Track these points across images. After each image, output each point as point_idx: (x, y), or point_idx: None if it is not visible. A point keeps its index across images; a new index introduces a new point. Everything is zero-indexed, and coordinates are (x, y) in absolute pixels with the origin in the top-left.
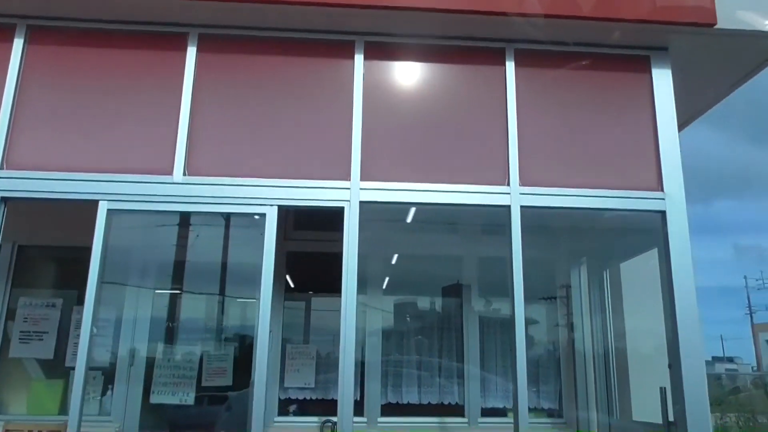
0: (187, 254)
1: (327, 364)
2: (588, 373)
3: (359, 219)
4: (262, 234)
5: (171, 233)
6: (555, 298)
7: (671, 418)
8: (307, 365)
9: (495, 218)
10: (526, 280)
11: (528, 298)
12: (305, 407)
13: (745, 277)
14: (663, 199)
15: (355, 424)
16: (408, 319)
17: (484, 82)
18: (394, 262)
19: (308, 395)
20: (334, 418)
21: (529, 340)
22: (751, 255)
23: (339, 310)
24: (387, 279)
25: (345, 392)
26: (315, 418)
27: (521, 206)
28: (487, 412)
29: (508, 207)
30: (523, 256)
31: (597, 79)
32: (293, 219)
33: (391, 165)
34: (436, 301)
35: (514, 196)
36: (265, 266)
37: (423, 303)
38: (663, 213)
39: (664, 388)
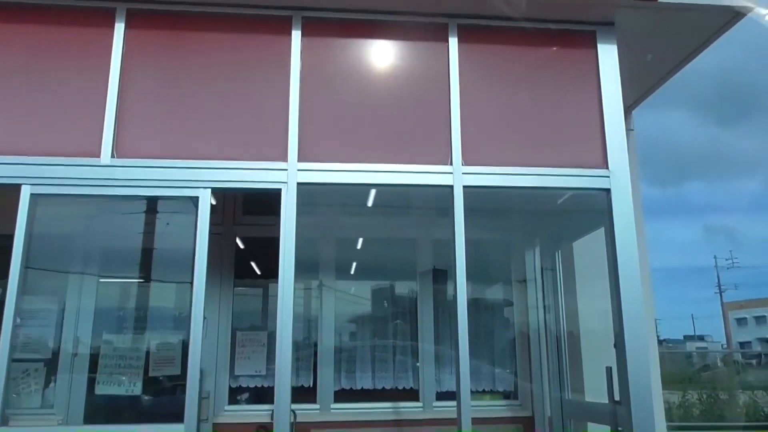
0: (134, 241)
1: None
2: (542, 355)
3: (297, 201)
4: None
5: (114, 218)
6: (524, 281)
7: (617, 398)
8: (258, 352)
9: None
10: (482, 263)
11: (488, 281)
12: (258, 395)
13: (715, 257)
14: (608, 177)
15: (307, 411)
16: (364, 303)
17: (426, 59)
18: (348, 245)
19: (260, 383)
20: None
21: (486, 323)
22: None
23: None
24: (340, 263)
25: (281, 380)
26: (266, 406)
27: (464, 186)
28: (442, 396)
29: (451, 187)
30: (478, 238)
31: (542, 56)
32: (243, 203)
33: (330, 145)
34: (393, 285)
35: (457, 175)
36: (198, 251)
37: (378, 287)
38: (608, 191)
39: (610, 367)
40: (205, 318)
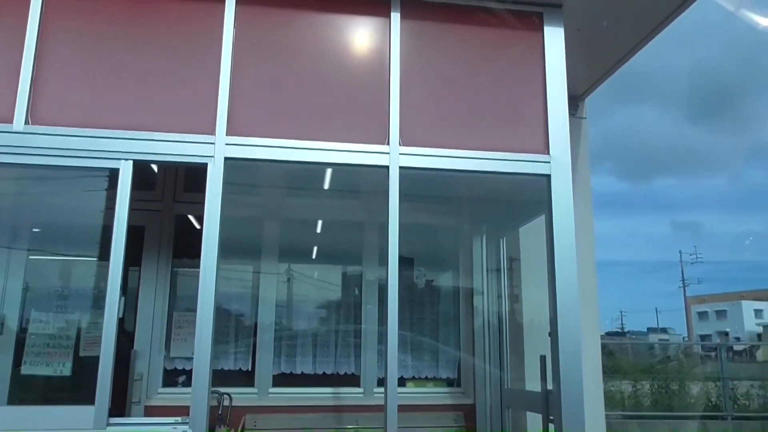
0: (67, 216)
1: (222, 333)
2: (486, 343)
3: (223, 176)
4: None
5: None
6: (471, 268)
7: (549, 386)
8: (194, 334)
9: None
10: (431, 249)
11: (436, 268)
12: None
13: (680, 252)
14: (548, 162)
15: (245, 395)
16: (307, 286)
17: (366, 34)
18: (295, 227)
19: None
20: (223, 389)
21: (432, 309)
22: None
23: (242, 277)
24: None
25: (200, 362)
26: None
27: (400, 167)
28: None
29: (387, 168)
30: (426, 223)
31: (488, 36)
32: (184, 179)
33: (262, 120)
34: (339, 269)
35: (393, 156)
36: (117, 226)
37: (323, 271)
38: (548, 177)
39: (544, 356)
40: (122, 296)
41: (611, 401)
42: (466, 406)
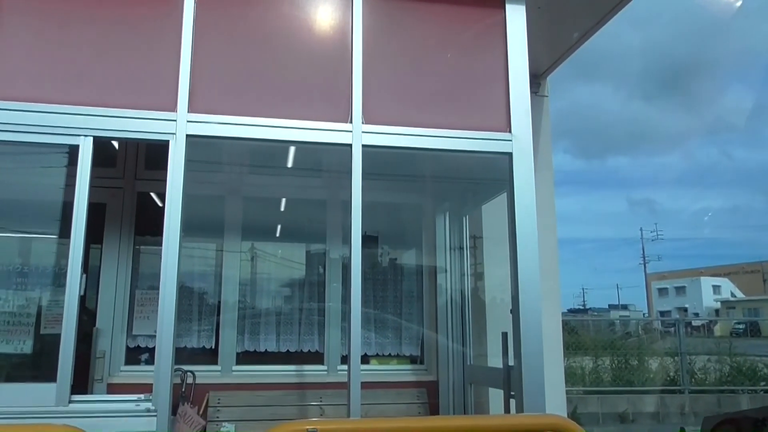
0: (27, 193)
1: (185, 311)
2: (449, 320)
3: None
4: None
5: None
6: (434, 246)
7: (511, 363)
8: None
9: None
10: (395, 227)
11: (400, 246)
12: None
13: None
14: (510, 140)
15: (208, 373)
16: (271, 264)
17: (329, 11)
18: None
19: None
20: (186, 367)
21: (396, 287)
22: (642, 208)
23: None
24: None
25: (163, 340)
26: None
27: (363, 145)
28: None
29: (350, 146)
30: (390, 202)
31: (450, 14)
32: (146, 157)
33: (224, 97)
34: (303, 247)
35: (356, 134)
36: (77, 204)
37: (287, 249)
38: (509, 155)
39: (506, 333)
40: (83, 274)
41: (573, 377)
42: (429, 383)
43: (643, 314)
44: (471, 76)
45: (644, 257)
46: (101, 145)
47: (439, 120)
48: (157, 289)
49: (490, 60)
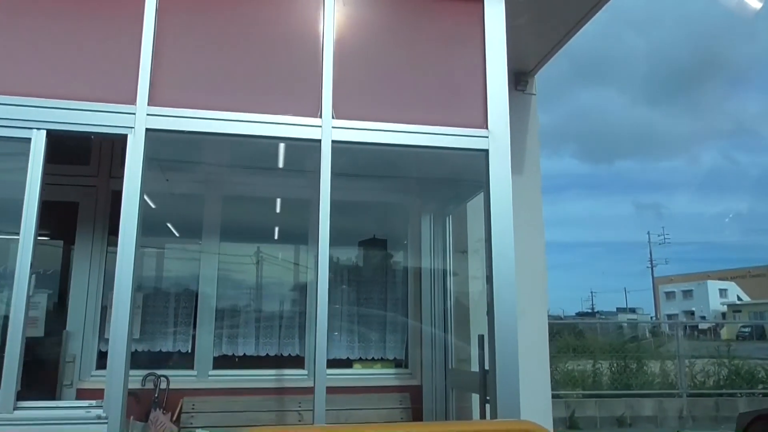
0: None
1: (160, 314)
2: (433, 323)
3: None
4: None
5: None
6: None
7: (487, 366)
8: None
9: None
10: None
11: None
12: (133, 359)
13: (648, 233)
14: (486, 137)
15: (184, 378)
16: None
17: (300, 1)
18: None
19: (134, 347)
20: (160, 371)
21: (380, 290)
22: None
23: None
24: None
25: (116, 343)
26: (138, 372)
27: (333, 141)
28: (330, 364)
29: (319, 141)
30: (376, 202)
31: (426, 6)
32: (120, 154)
33: (187, 89)
34: (285, 248)
35: (326, 129)
36: (27, 201)
37: (268, 250)
38: (486, 152)
39: (482, 335)
40: (33, 273)
41: (574, 381)
42: (413, 387)
43: (651, 317)
44: (447, 71)
45: (651, 261)
46: (75, 142)
47: (414, 116)
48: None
49: (468, 55)
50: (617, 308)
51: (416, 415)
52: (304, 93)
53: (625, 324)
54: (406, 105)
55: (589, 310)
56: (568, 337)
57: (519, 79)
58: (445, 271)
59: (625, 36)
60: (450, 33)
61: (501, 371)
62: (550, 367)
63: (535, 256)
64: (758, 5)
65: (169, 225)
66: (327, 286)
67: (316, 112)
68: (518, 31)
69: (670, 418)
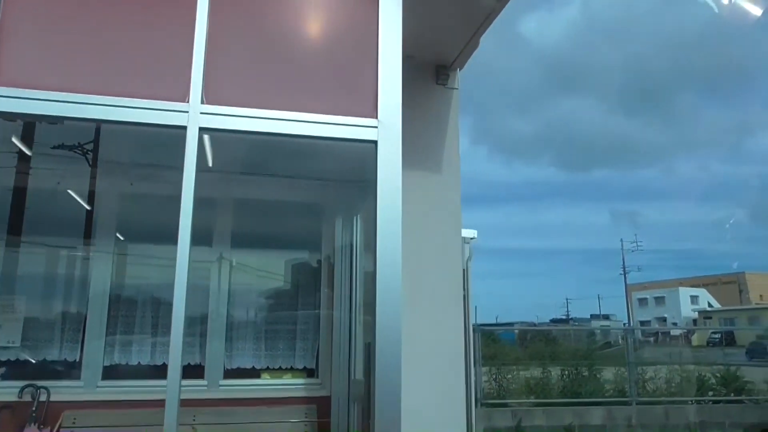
0: None
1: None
2: (341, 331)
3: None
4: None
5: None
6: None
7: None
8: (10, 320)
9: None
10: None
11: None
12: (15, 369)
13: (621, 241)
14: (375, 127)
15: (68, 389)
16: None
17: None
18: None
19: (15, 355)
20: (40, 383)
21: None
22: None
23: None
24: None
25: None
26: (16, 383)
27: (200, 128)
28: (232, 374)
29: (184, 128)
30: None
31: None
32: None
33: (37, 68)
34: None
35: (193, 115)
36: None
37: (165, 251)
38: (375, 143)
39: (369, 343)
40: None
41: (524, 389)
42: (321, 399)
43: (624, 324)
44: (336, 57)
45: (624, 268)
46: None
47: (297, 103)
48: (13, 294)
49: (359, 40)
50: (591, 315)
51: (322, 429)
52: (170, 74)
53: (598, 330)
54: (289, 91)
55: (564, 317)
56: (539, 343)
57: (440, 72)
58: (352, 275)
59: (603, 47)
60: (339, 13)
61: (380, 380)
62: (509, 375)
63: (451, 259)
64: (758, 12)
65: (51, 222)
66: (184, 291)
67: (185, 97)
68: (434, 23)
69: (619, 427)
